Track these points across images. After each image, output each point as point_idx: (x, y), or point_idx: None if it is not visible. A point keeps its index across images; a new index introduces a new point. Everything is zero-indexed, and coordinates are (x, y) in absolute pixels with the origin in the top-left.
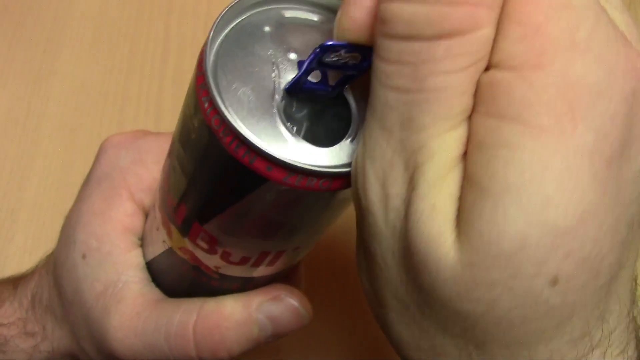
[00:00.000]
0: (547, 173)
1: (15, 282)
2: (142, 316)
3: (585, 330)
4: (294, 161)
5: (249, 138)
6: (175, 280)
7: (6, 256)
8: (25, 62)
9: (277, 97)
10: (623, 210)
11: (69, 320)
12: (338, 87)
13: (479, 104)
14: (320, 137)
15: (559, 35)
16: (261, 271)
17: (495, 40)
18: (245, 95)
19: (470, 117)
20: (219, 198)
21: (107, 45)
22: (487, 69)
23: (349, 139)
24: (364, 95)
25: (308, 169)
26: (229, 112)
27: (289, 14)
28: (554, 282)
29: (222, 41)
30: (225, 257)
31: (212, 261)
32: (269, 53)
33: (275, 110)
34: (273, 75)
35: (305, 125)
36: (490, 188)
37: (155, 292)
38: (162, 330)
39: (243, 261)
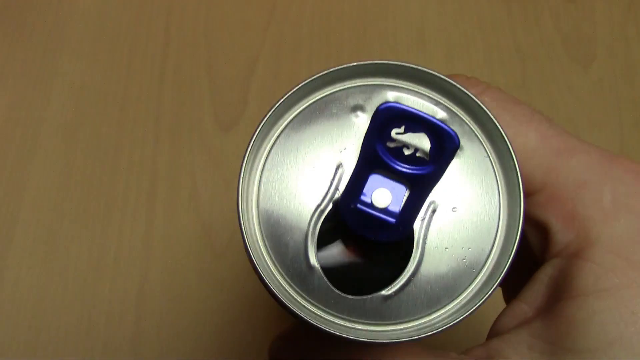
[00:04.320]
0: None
1: None
2: None
3: None
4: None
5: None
6: None
7: (6, 256)
8: (25, 62)
9: (321, 211)
10: None
11: None
12: (407, 214)
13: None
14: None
15: None
16: None
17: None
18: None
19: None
20: None
21: (107, 45)
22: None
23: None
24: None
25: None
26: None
27: (395, 95)
28: None
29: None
30: None
31: None
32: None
33: (311, 234)
34: (332, 178)
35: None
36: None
37: None
38: None
39: None
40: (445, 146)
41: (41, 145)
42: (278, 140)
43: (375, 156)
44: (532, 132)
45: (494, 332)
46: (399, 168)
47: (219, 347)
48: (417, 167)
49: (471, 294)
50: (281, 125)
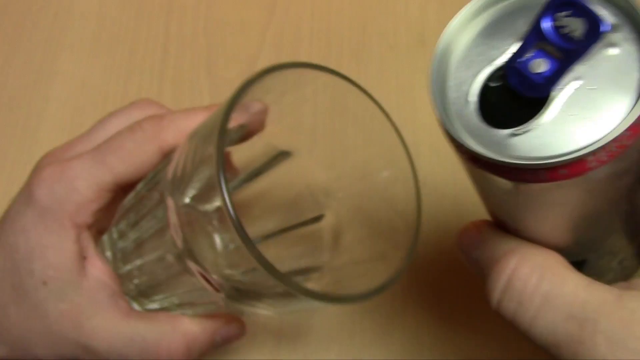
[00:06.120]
0: None
1: None
2: (115, 330)
3: None
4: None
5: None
6: None
7: None
8: (25, 62)
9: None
10: None
11: (12, 334)
12: (552, 80)
13: None
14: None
15: None
16: None
17: None
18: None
19: None
20: None
21: (107, 45)
22: None
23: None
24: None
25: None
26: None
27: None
28: None
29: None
30: None
31: None
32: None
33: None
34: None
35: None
36: None
37: (120, 305)
38: (136, 346)
39: None
40: (593, 30)
41: (41, 146)
42: (470, 34)
43: (539, 28)
44: None
45: None
46: (554, 40)
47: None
48: (568, 43)
49: (588, 152)
50: (475, 25)
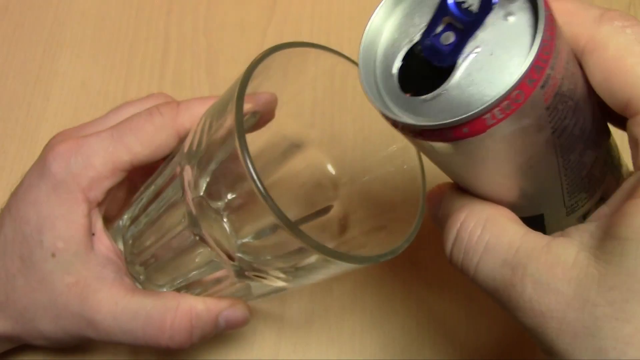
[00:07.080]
0: None
1: None
2: (120, 304)
3: None
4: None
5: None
6: None
7: None
8: (25, 62)
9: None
10: None
11: (17, 306)
12: (456, 50)
13: None
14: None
15: None
16: None
17: None
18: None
19: None
20: None
21: (107, 45)
22: None
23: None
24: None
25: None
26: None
27: None
28: None
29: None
30: None
31: None
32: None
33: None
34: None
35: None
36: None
37: (126, 281)
38: (140, 320)
39: None
40: (486, 2)
41: (41, 146)
42: (395, 16)
43: (444, 5)
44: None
45: None
46: (456, 14)
47: (219, 346)
48: (467, 15)
49: (481, 111)
50: (399, 10)
